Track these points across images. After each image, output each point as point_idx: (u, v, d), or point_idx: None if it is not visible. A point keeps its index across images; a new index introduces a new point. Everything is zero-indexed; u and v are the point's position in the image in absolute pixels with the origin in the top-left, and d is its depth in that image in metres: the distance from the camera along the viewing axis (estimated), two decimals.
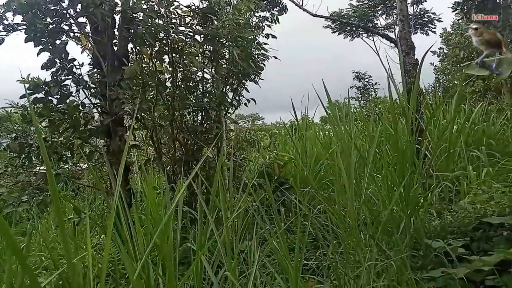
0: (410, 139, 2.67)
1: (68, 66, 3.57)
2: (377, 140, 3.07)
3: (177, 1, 3.94)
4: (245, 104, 4.66)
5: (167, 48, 3.95)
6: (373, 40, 14.29)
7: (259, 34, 4.92)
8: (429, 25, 14.36)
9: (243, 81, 4.51)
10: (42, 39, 3.43)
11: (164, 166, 4.15)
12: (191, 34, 4.06)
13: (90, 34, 3.71)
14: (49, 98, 3.49)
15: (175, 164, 4.08)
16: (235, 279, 1.78)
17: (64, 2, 3.53)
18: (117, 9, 3.66)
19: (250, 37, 4.34)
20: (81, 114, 3.63)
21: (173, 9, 3.94)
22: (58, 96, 3.50)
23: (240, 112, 11.94)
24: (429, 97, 8.48)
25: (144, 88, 3.77)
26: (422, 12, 14.18)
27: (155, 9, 3.76)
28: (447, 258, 2.25)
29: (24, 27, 3.38)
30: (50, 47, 3.48)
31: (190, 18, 4.08)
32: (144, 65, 3.98)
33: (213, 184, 2.16)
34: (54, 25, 3.48)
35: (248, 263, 2.11)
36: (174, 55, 4.02)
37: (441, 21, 14.48)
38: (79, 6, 3.52)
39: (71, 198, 5.14)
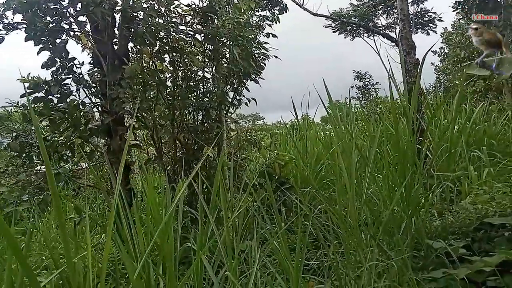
0: (411, 139, 2.67)
1: (68, 65, 3.57)
2: (378, 140, 3.06)
3: (178, 0, 3.94)
4: (246, 103, 4.66)
5: (167, 47, 3.94)
6: (374, 40, 14.31)
7: (260, 33, 4.92)
8: (430, 24, 14.37)
9: (244, 80, 4.50)
10: (42, 38, 3.43)
11: (165, 165, 4.15)
12: (192, 33, 4.06)
13: (90, 33, 3.71)
14: (50, 97, 3.48)
15: (175, 163, 4.08)
16: (235, 279, 1.78)
17: (64, 1, 3.53)
18: (117, 8, 3.65)
19: (250, 36, 4.34)
20: (81, 113, 3.62)
21: (173, 8, 3.93)
22: (58, 95, 3.50)
23: (240, 111, 11.96)
24: (430, 97, 8.47)
25: (144, 88, 3.77)
26: (423, 12, 14.19)
27: (156, 8, 3.76)
28: (448, 259, 2.24)
29: (24, 25, 3.37)
30: (50, 46, 3.48)
31: (190, 17, 4.08)
32: (144, 64, 3.98)
33: (213, 183, 2.15)
34: (54, 24, 3.48)
35: (248, 263, 2.11)
36: (174, 54, 4.01)
37: (442, 21, 14.50)
38: (79, 4, 3.51)
39: (72, 198, 5.14)
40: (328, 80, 2.94)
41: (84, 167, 4.31)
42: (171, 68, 4.09)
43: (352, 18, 13.65)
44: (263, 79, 4.67)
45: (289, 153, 5.60)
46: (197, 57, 4.12)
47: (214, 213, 2.61)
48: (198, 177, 2.26)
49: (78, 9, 3.55)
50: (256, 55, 4.52)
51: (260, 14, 7.19)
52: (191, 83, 4.22)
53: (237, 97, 4.59)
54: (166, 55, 4.06)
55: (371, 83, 18.11)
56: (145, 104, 3.70)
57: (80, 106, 3.61)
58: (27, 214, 4.67)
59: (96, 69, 3.78)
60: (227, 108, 4.51)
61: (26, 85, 3.40)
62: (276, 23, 7.97)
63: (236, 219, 2.30)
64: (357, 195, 2.58)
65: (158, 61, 4.04)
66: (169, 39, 3.88)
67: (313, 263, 2.68)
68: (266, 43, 4.69)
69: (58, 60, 3.53)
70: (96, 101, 3.76)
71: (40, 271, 2.82)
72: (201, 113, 4.28)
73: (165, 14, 3.86)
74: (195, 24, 4.11)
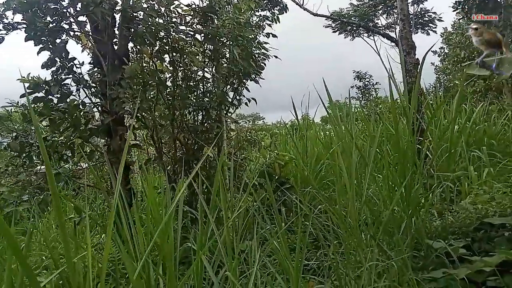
0: (411, 139, 2.67)
1: (68, 65, 3.57)
2: (378, 140, 3.06)
3: (178, 0, 3.94)
4: (246, 103, 4.66)
5: (167, 47, 3.94)
6: (374, 40, 14.32)
7: (260, 33, 4.92)
8: (430, 24, 14.37)
9: (244, 80, 4.50)
10: (42, 38, 3.43)
11: (165, 165, 4.15)
12: (192, 33, 4.06)
13: (90, 33, 3.71)
14: (50, 97, 3.48)
15: (175, 163, 4.08)
16: (235, 279, 1.78)
17: (64, 1, 3.53)
18: (117, 8, 3.65)
19: (250, 36, 4.34)
20: (81, 113, 3.62)
21: (173, 8, 3.93)
22: (58, 95, 3.50)
23: (240, 111, 11.96)
24: (430, 97, 8.48)
25: (144, 88, 3.77)
26: (423, 12, 14.19)
27: (156, 8, 3.76)
28: (448, 259, 2.24)
29: (24, 25, 3.37)
30: (50, 46, 3.47)
31: (190, 17, 4.08)
32: (144, 64, 3.98)
33: (213, 183, 2.15)
34: (54, 24, 3.48)
35: (248, 263, 2.11)
36: (174, 54, 4.01)
37: (442, 21, 14.51)
38: (79, 5, 3.51)
39: (72, 198, 5.13)
40: (328, 80, 2.95)
41: (84, 167, 4.31)
42: (171, 68, 4.09)
43: (352, 18, 13.65)
44: (263, 79, 4.67)
45: (289, 153, 5.60)
46: (197, 57, 4.12)
47: (214, 213, 2.61)
48: (198, 177, 2.26)
49: (78, 9, 3.55)
50: (256, 55, 4.52)
51: (260, 14, 7.20)
52: (191, 83, 4.22)
53: (237, 97, 4.59)
54: (166, 55, 4.06)
55: (371, 83, 18.12)
56: (145, 104, 3.70)
57: (80, 106, 3.61)
58: (27, 214, 4.66)
59: (96, 69, 3.78)
60: (227, 108, 4.51)
61: (26, 85, 3.40)
62: (276, 23, 7.97)
63: (236, 219, 2.30)
64: (357, 195, 2.57)
65: (158, 61, 4.04)
66: (169, 39, 3.88)
67: (313, 263, 2.67)
68: (266, 43, 4.69)
69: (58, 60, 3.53)
70: (96, 101, 3.76)
71: (40, 271, 2.82)
72: (201, 113, 4.28)
73: (165, 14, 3.86)
74: (195, 24, 4.11)
